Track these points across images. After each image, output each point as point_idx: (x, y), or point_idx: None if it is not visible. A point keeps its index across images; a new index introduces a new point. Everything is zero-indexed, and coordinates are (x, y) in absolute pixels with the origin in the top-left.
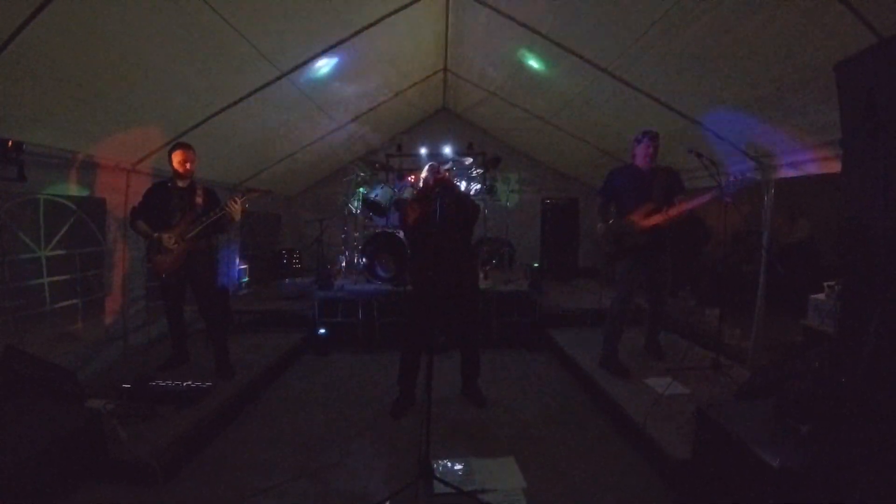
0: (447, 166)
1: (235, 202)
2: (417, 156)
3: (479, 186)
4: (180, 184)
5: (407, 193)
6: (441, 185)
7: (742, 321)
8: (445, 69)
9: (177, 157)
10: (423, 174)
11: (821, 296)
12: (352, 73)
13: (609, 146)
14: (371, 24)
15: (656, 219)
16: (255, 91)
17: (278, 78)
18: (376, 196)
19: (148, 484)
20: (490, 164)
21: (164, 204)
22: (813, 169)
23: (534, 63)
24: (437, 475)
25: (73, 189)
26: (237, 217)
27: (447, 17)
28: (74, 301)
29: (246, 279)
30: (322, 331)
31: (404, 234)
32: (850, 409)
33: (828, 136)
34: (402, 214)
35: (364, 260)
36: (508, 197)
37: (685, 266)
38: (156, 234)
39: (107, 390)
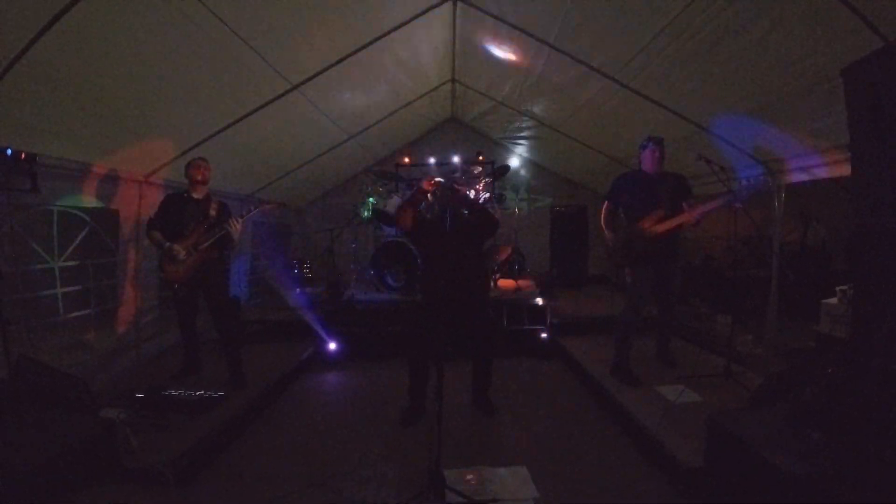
0: (456, 175)
1: (237, 222)
2: (427, 165)
3: (488, 195)
4: (195, 196)
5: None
6: (447, 191)
7: (754, 327)
8: (453, 79)
9: (193, 170)
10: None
11: (833, 300)
12: (361, 84)
13: (618, 153)
14: (380, 37)
15: (668, 224)
16: (267, 103)
17: (289, 90)
18: (386, 206)
19: (160, 492)
20: (499, 173)
21: (179, 214)
22: (823, 173)
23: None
24: (449, 484)
25: (86, 200)
26: (236, 237)
27: (454, 28)
28: (87, 311)
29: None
30: (332, 345)
31: (412, 242)
32: (864, 415)
33: (836, 140)
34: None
35: (374, 269)
36: (517, 205)
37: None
38: (168, 245)
39: (120, 399)
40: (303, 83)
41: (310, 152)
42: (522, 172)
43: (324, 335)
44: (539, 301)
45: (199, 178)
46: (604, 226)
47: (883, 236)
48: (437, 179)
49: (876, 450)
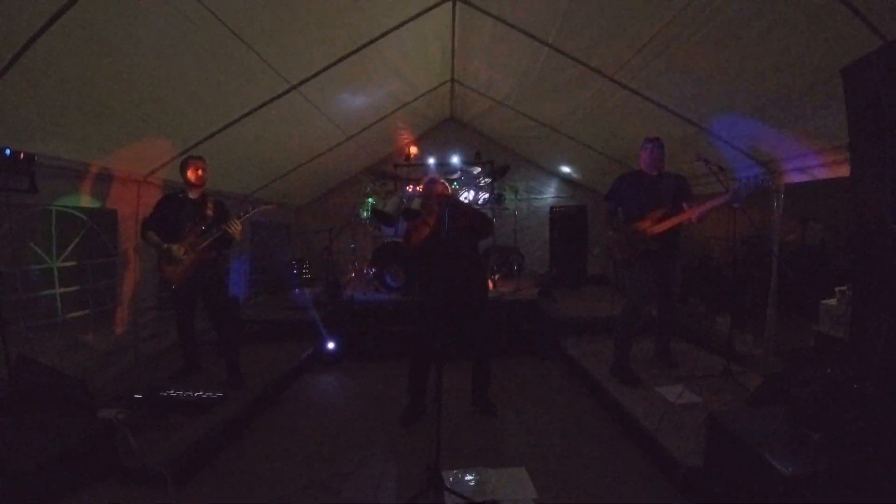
0: (455, 176)
1: (235, 222)
2: (426, 165)
3: (487, 195)
4: (192, 196)
5: (415, 203)
6: (445, 200)
7: (753, 327)
8: (453, 79)
9: (189, 170)
10: (422, 187)
11: (832, 301)
12: (360, 84)
13: (616, 153)
14: (379, 37)
15: (668, 223)
16: (266, 103)
17: (288, 90)
18: (385, 206)
19: (159, 493)
20: (498, 173)
21: (176, 215)
22: (822, 173)
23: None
24: (448, 485)
25: (85, 200)
26: (237, 237)
27: (454, 28)
28: (86, 311)
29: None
30: (331, 344)
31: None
32: (863, 416)
33: (836, 140)
34: (407, 234)
35: (373, 269)
36: (517, 205)
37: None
38: (165, 245)
39: (118, 400)
40: (302, 83)
41: (309, 152)
42: (521, 172)
43: (326, 335)
44: (539, 301)
45: (195, 177)
46: (605, 226)
47: (883, 236)
48: (443, 186)
49: (876, 450)
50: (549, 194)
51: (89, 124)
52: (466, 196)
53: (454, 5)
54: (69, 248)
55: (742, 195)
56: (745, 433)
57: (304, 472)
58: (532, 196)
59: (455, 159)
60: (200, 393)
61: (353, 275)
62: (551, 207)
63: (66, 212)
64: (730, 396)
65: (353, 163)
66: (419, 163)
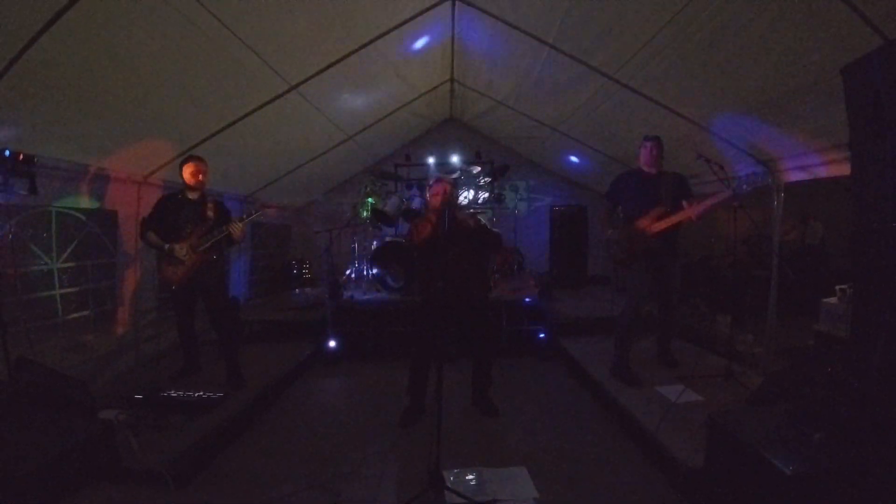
0: (455, 175)
1: (237, 224)
2: (425, 165)
3: (487, 195)
4: (191, 196)
5: (416, 204)
6: (446, 199)
7: (753, 326)
8: (452, 79)
9: (188, 170)
10: (430, 184)
11: (833, 300)
12: (360, 84)
13: (617, 152)
14: (377, 38)
15: (667, 222)
16: (266, 104)
17: (288, 91)
18: (385, 206)
19: (159, 493)
20: (498, 173)
21: (175, 216)
22: (822, 172)
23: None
24: (448, 485)
25: (85, 201)
26: (238, 238)
27: (453, 27)
28: (86, 312)
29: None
30: (332, 343)
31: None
32: (863, 415)
33: (836, 139)
34: (410, 231)
35: (373, 270)
36: (517, 205)
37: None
38: (167, 246)
39: (119, 400)
40: (301, 83)
41: (309, 152)
42: (521, 172)
43: (331, 332)
44: (539, 301)
45: (194, 179)
46: (603, 225)
47: (883, 236)
48: (448, 186)
49: (876, 450)
50: (549, 194)
51: (89, 125)
52: (466, 196)
53: (454, 5)
54: (69, 249)
55: (742, 191)
56: (745, 433)
57: (305, 473)
58: (532, 196)
59: (455, 159)
60: (201, 393)
61: (352, 275)
62: (551, 207)
63: (66, 213)
64: (730, 396)
65: (354, 163)
66: (419, 163)
